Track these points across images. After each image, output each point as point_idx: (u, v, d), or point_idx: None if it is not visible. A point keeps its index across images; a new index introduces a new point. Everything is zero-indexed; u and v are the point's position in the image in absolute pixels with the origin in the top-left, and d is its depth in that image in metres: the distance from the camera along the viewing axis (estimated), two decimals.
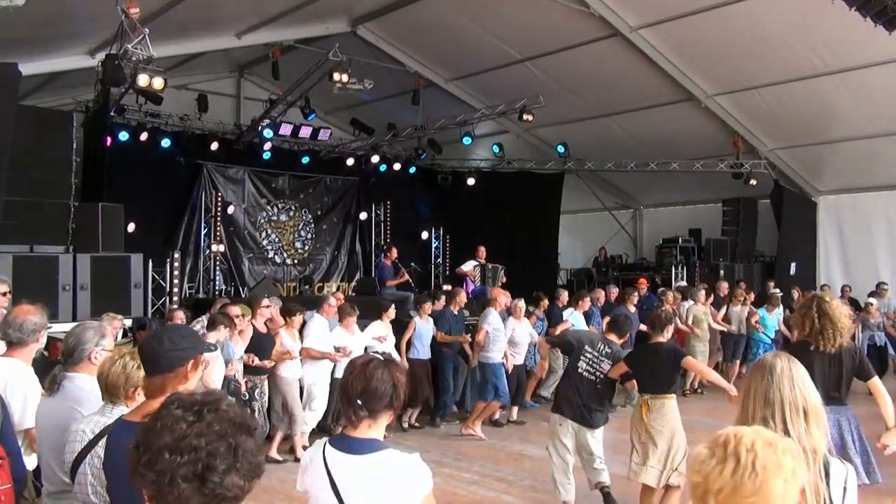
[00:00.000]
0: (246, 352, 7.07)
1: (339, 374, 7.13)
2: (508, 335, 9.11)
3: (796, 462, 1.63)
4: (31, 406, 3.44)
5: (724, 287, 12.66)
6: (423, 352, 9.17)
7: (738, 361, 11.51)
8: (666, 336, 5.69)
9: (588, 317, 10.33)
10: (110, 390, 3.00)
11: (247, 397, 7.09)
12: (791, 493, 1.59)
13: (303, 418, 7.65)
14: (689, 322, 11.05)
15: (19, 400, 3.49)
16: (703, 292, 11.57)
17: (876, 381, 4.62)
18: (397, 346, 8.94)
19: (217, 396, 1.58)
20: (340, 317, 8.27)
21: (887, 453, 4.42)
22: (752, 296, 12.01)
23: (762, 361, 2.44)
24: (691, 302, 11.44)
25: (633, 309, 10.54)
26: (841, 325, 4.46)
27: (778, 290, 12.21)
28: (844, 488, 2.30)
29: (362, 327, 8.62)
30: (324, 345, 7.95)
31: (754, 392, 2.37)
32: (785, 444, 1.66)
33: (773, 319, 11.26)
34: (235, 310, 7.13)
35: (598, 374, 5.88)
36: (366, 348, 8.17)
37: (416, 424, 9.22)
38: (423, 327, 9.17)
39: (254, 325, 7.30)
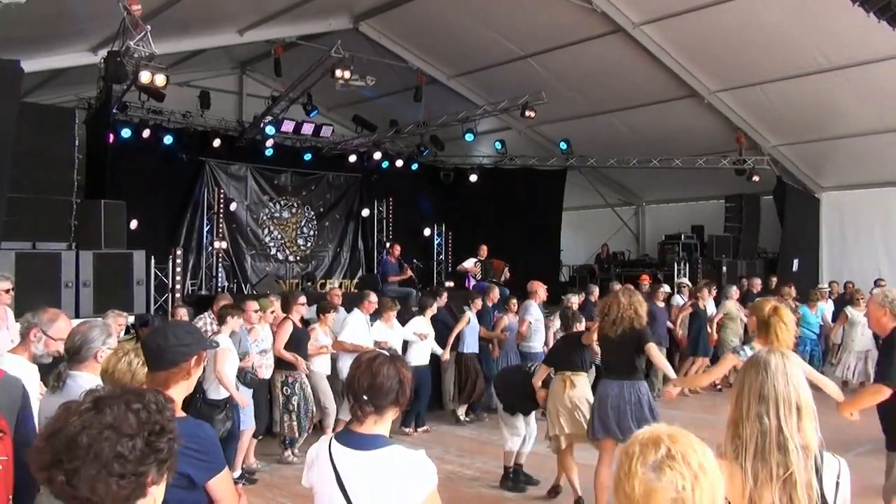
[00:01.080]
0: (285, 347, 7.27)
1: None
2: (554, 329, 9.31)
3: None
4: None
5: (756, 284, 12.62)
6: (475, 345, 9.27)
7: None
8: (577, 329, 6.52)
9: None
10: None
11: (288, 392, 7.31)
12: None
13: (335, 411, 7.75)
14: (721, 317, 11.14)
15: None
16: (735, 288, 11.59)
17: (651, 346, 5.58)
18: (446, 339, 9.09)
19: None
20: (380, 311, 8.39)
21: (667, 399, 5.74)
22: (794, 291, 11.94)
23: (756, 358, 2.43)
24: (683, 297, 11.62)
25: (661, 305, 10.84)
26: (633, 311, 5.47)
27: (826, 286, 12.08)
28: (837, 483, 2.30)
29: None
30: (360, 339, 8.01)
31: (748, 388, 2.37)
32: (691, 435, 1.67)
33: (816, 315, 11.18)
34: (254, 305, 7.21)
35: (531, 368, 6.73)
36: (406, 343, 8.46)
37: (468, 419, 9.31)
38: (475, 321, 9.32)
39: (292, 321, 7.47)
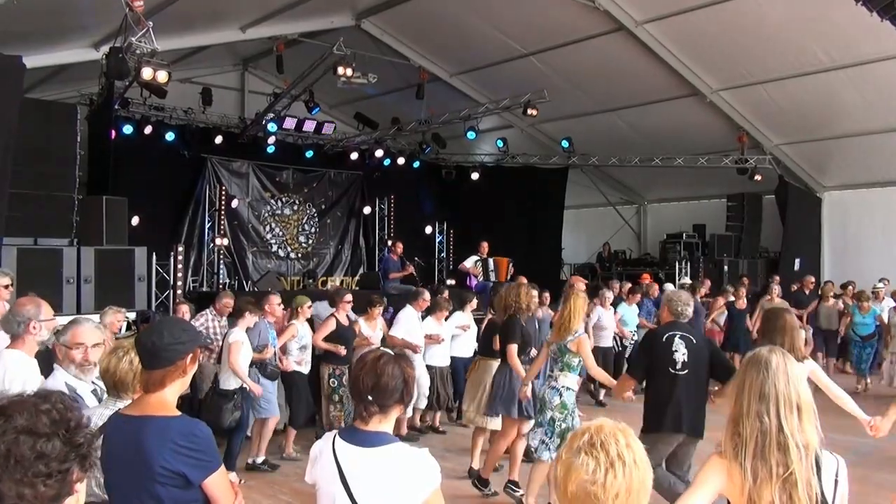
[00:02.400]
0: (327, 341, 7.64)
1: (431, 362, 8.52)
2: (593, 322, 9.95)
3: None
4: None
5: (808, 283, 12.66)
6: None
7: (832, 359, 11.60)
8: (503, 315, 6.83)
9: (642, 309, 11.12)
10: (118, 386, 3.00)
11: (335, 385, 7.55)
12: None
13: None
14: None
15: (17, 389, 3.51)
16: (776, 287, 11.65)
17: (510, 348, 6.09)
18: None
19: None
20: (434, 309, 8.66)
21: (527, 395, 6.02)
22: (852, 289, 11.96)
23: (757, 356, 2.43)
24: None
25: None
26: (523, 302, 6.22)
27: (881, 285, 11.82)
28: (836, 481, 2.31)
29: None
30: (412, 335, 8.28)
31: (749, 386, 2.37)
32: (626, 428, 1.76)
33: (867, 316, 11.02)
34: (277, 299, 7.55)
35: None
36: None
37: None
38: None
39: (336, 318, 7.77)
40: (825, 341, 11.58)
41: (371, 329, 8.24)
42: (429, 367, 8.53)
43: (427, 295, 8.89)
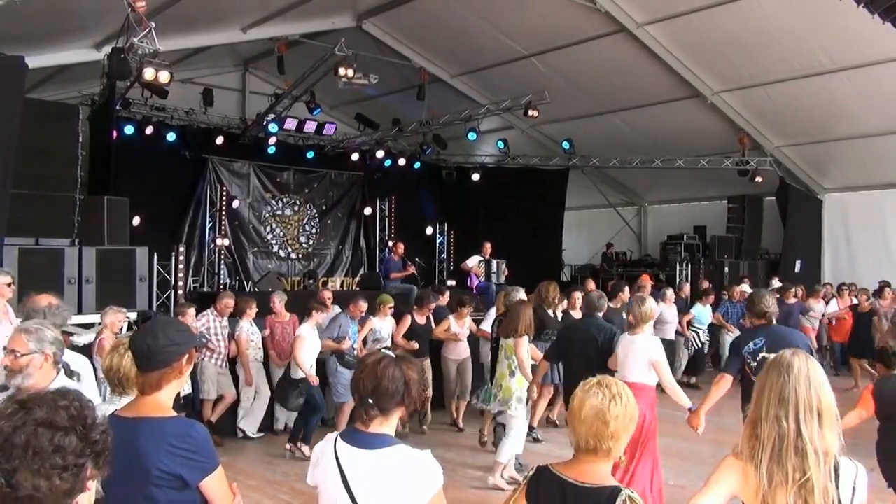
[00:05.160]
0: (405, 338, 8.44)
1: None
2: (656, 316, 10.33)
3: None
4: None
5: None
6: None
7: None
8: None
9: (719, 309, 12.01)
10: (123, 382, 3.00)
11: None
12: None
13: (467, 388, 8.81)
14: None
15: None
16: (889, 290, 11.62)
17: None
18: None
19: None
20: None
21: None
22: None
23: (779, 359, 2.41)
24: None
25: (792, 301, 11.58)
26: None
27: None
28: (853, 488, 2.28)
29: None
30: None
31: (769, 389, 2.35)
32: (622, 382, 2.46)
33: None
34: (363, 304, 8.43)
35: None
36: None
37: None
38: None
39: (413, 317, 8.61)
40: None
41: (460, 327, 8.83)
42: None
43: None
